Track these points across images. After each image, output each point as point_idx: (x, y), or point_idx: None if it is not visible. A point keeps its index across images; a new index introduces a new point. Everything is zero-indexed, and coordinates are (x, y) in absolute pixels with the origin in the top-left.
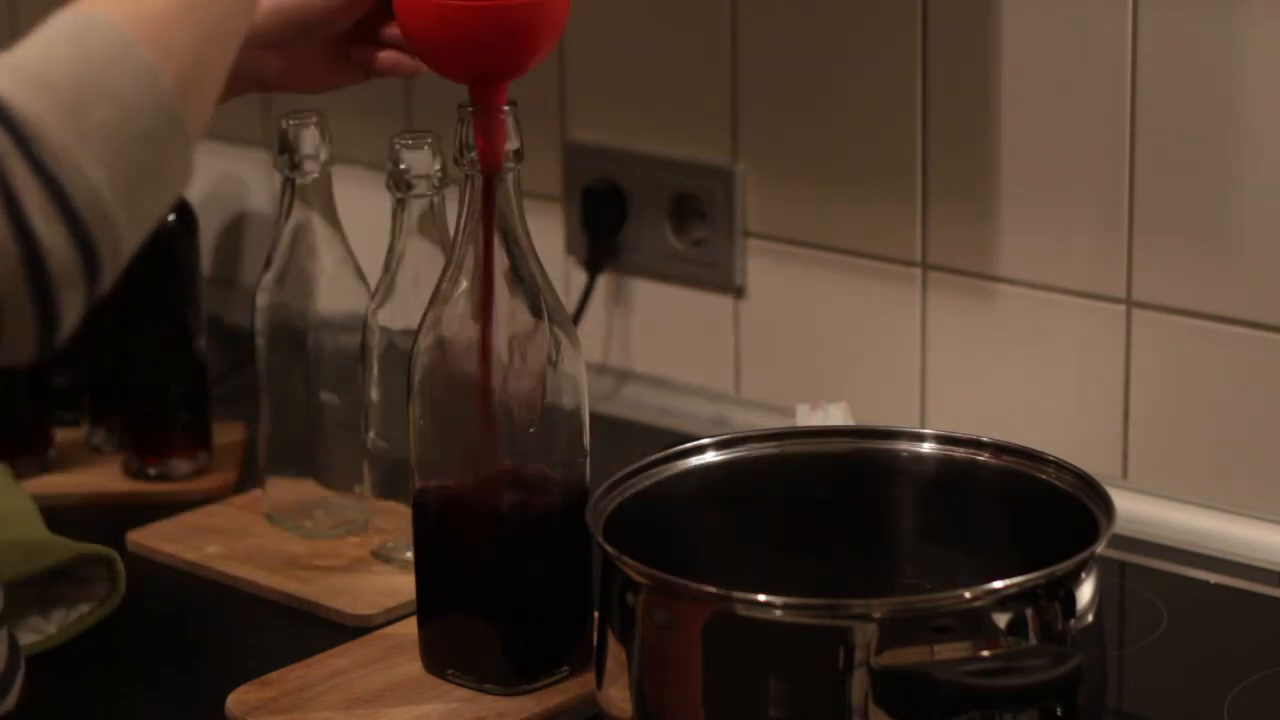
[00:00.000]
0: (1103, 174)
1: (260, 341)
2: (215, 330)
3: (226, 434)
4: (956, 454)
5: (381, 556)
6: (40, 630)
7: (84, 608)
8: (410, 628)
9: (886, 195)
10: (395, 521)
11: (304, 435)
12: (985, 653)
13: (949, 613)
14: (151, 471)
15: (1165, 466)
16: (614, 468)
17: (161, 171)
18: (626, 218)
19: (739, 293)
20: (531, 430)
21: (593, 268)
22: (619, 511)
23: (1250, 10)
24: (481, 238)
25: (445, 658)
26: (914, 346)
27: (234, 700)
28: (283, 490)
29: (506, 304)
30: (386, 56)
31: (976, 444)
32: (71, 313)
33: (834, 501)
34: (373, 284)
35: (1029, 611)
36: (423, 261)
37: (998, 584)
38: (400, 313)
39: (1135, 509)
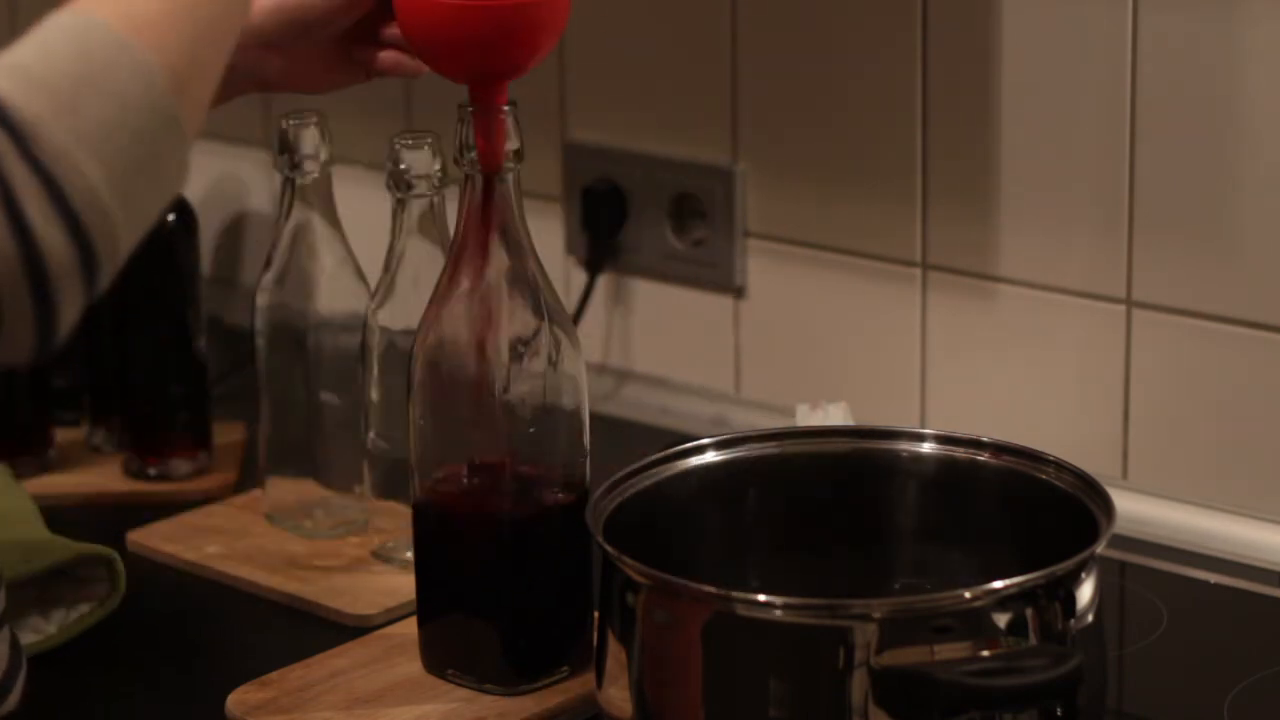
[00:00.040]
0: (1103, 174)
1: (260, 341)
2: (215, 330)
3: (226, 434)
4: (956, 454)
5: (381, 556)
6: (40, 630)
7: (84, 608)
8: (410, 628)
9: (886, 195)
10: (395, 521)
11: (304, 435)
12: (985, 653)
13: (949, 613)
14: (151, 471)
15: (1165, 466)
16: (614, 468)
17: (158, 171)
18: (626, 218)
19: (739, 293)
20: (531, 430)
21: (593, 268)
22: (619, 511)
23: (1250, 10)
24: (481, 238)
25: (445, 658)
26: (914, 346)
27: (234, 700)
28: (283, 490)
29: (506, 304)
30: (387, 57)
31: (976, 444)
32: (70, 312)
33: (834, 501)
34: (373, 284)
35: (1029, 611)
36: (423, 261)
37: (998, 584)
38: (400, 313)
39: (1135, 509)
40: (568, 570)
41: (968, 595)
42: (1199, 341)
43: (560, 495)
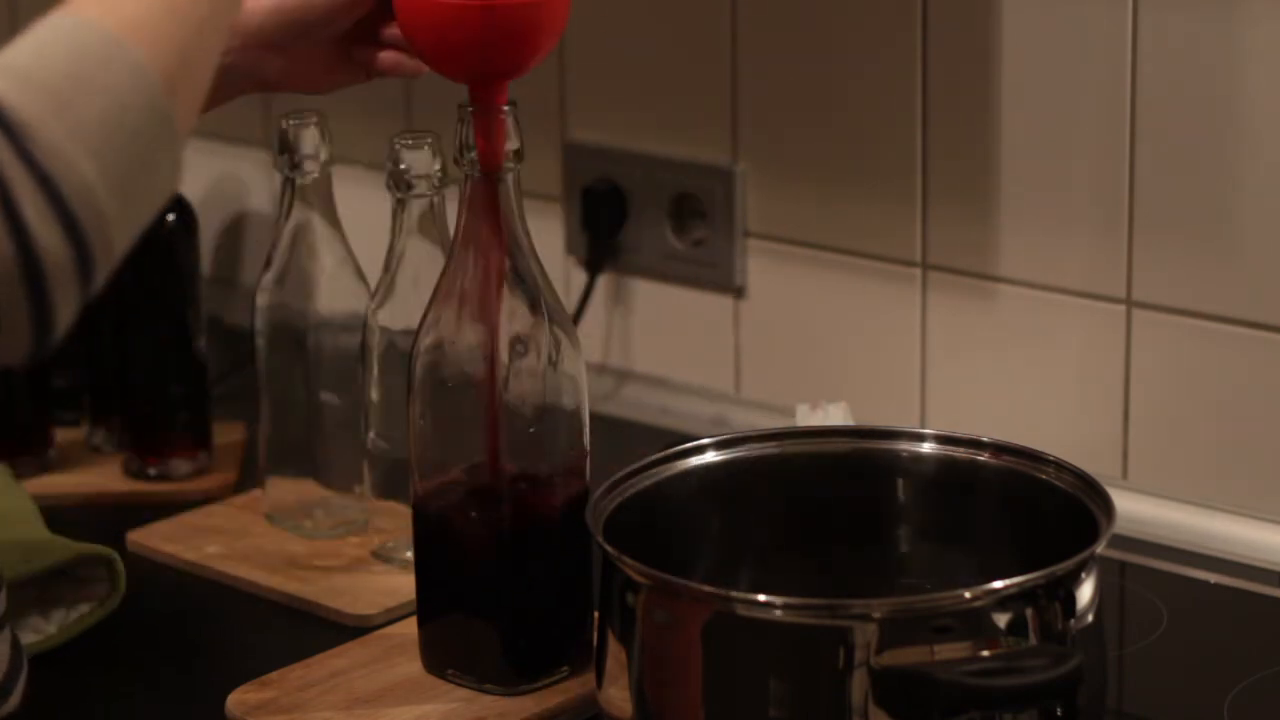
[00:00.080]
0: (1103, 174)
1: (260, 341)
2: (215, 330)
3: (226, 434)
4: (956, 454)
5: (381, 556)
6: (40, 630)
7: (84, 608)
8: (410, 628)
9: (886, 195)
10: (395, 521)
11: (304, 435)
12: (985, 653)
13: (949, 613)
14: (151, 471)
15: (1165, 466)
16: (614, 468)
17: (153, 171)
18: (626, 218)
19: (739, 293)
20: (531, 430)
21: (593, 268)
22: (619, 511)
23: (1250, 10)
24: (481, 238)
25: (445, 658)
26: (914, 346)
27: (234, 700)
28: (283, 490)
29: (506, 304)
30: (387, 57)
31: (976, 444)
32: (66, 311)
33: (834, 501)
34: (373, 284)
35: (1029, 611)
36: (423, 261)
37: (998, 584)
38: (400, 313)
39: (1135, 509)
40: (568, 570)
41: (968, 595)
42: (1199, 341)
43: (560, 495)
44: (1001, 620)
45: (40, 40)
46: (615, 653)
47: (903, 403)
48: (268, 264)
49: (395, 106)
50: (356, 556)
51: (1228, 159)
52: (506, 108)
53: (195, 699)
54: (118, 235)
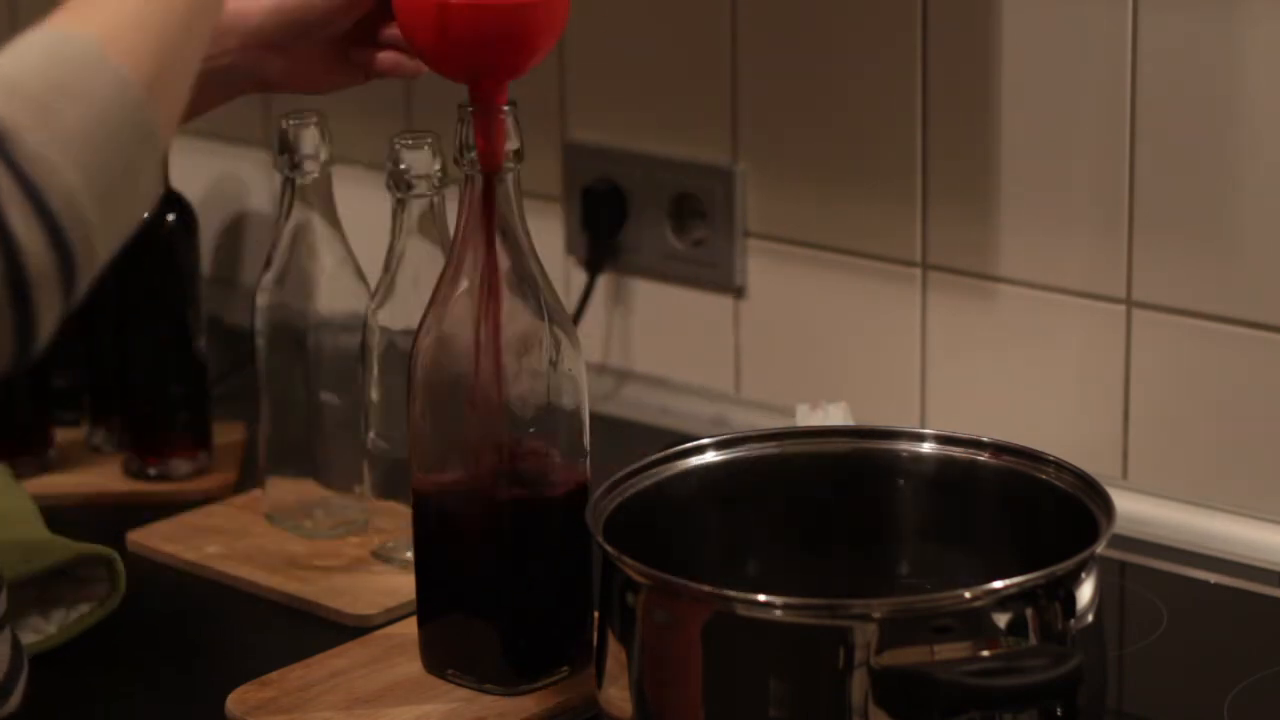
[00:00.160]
0: (1103, 174)
1: (260, 341)
2: (215, 330)
3: (226, 434)
4: (956, 454)
5: (381, 556)
6: (40, 630)
7: (84, 608)
8: (410, 628)
9: (886, 195)
10: (395, 521)
11: (304, 435)
12: (985, 653)
13: (949, 613)
14: (151, 471)
15: (1165, 466)
16: (614, 468)
17: (135, 179)
18: (626, 218)
19: (739, 293)
20: (532, 430)
21: (593, 268)
22: (619, 511)
23: (1250, 10)
24: (481, 238)
25: (445, 658)
26: (914, 346)
27: (234, 700)
28: (283, 490)
29: (506, 304)
30: (386, 58)
31: (976, 444)
32: (49, 319)
33: (834, 501)
34: (373, 284)
35: (1029, 611)
36: (423, 261)
37: (998, 584)
38: (400, 313)
39: (1135, 509)
40: (568, 570)
41: (968, 595)
42: (1199, 341)
43: (560, 495)
44: (1001, 620)
45: (24, 51)
46: (615, 653)
47: (903, 403)
48: (268, 264)
49: (395, 106)
50: (356, 556)
51: (1228, 159)
52: (506, 108)
53: (195, 699)
54: (101, 243)
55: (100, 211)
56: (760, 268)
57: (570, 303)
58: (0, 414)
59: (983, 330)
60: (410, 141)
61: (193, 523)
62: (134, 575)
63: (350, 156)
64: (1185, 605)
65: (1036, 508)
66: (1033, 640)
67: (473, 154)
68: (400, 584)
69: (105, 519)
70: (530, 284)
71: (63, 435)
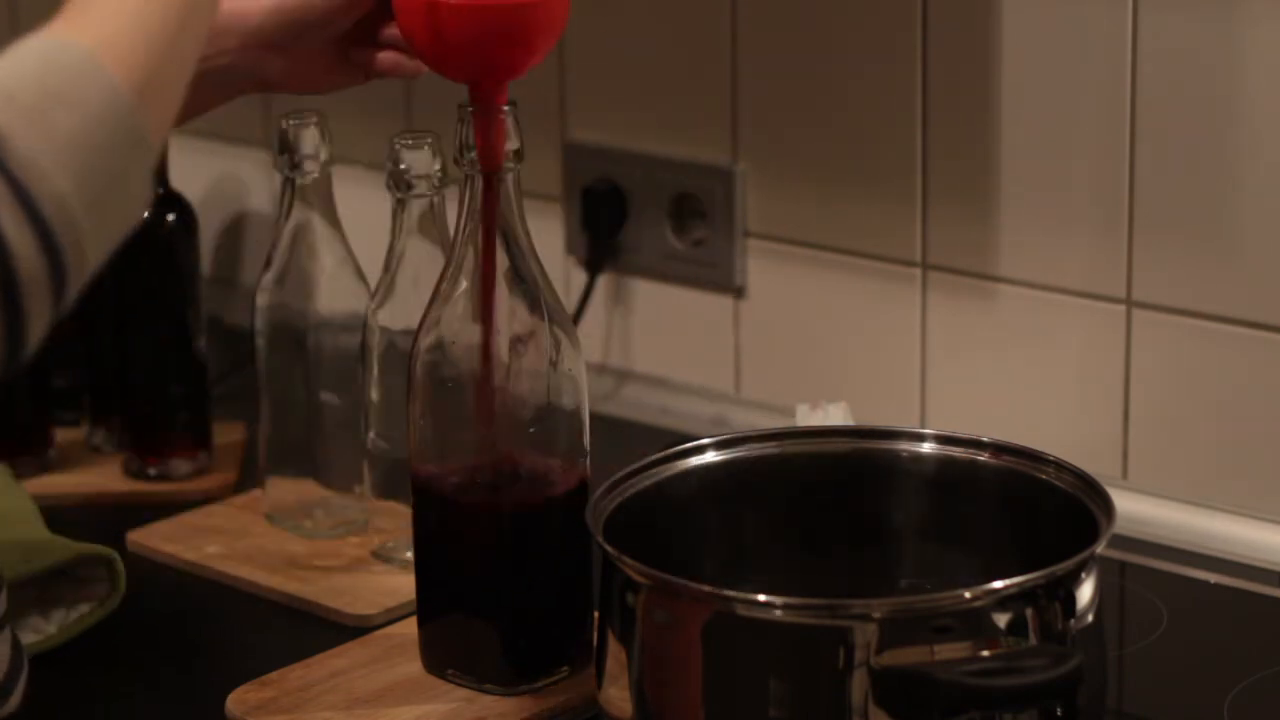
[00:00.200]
0: (1103, 174)
1: (260, 341)
2: (215, 330)
3: (226, 434)
4: (956, 454)
5: (381, 556)
6: (40, 630)
7: (84, 608)
8: (410, 628)
9: (886, 195)
10: (395, 521)
11: (304, 435)
12: (985, 653)
13: (949, 613)
14: (151, 471)
15: (1165, 466)
16: (614, 468)
17: (125, 186)
18: (626, 218)
19: (739, 293)
20: (531, 430)
21: (593, 268)
22: (619, 511)
23: (1250, 10)
24: (481, 238)
25: (445, 658)
26: (914, 346)
27: (234, 700)
28: (283, 490)
29: (506, 304)
30: (386, 58)
31: (976, 444)
32: (39, 324)
33: (834, 501)
34: (373, 284)
35: (1029, 611)
36: (423, 261)
37: (998, 584)
38: (400, 313)
39: (1135, 509)
40: (568, 570)
41: (968, 595)
42: (1199, 341)
43: (560, 496)
44: (1001, 620)
45: (16, 59)
46: (615, 653)
47: (903, 403)
48: (268, 264)
49: (395, 106)
50: (356, 556)
51: (1228, 159)
52: (506, 108)
53: (195, 699)
54: (91, 248)
55: (91, 217)
56: (760, 268)
57: (570, 303)
58: (0, 414)
59: (983, 330)
60: (410, 141)
61: (193, 523)
62: (134, 575)
63: (350, 156)
64: (1185, 605)
65: (1036, 508)
66: (1033, 640)
67: (473, 154)
68: (400, 584)
69: (105, 519)
70: (530, 284)
71: (63, 435)
